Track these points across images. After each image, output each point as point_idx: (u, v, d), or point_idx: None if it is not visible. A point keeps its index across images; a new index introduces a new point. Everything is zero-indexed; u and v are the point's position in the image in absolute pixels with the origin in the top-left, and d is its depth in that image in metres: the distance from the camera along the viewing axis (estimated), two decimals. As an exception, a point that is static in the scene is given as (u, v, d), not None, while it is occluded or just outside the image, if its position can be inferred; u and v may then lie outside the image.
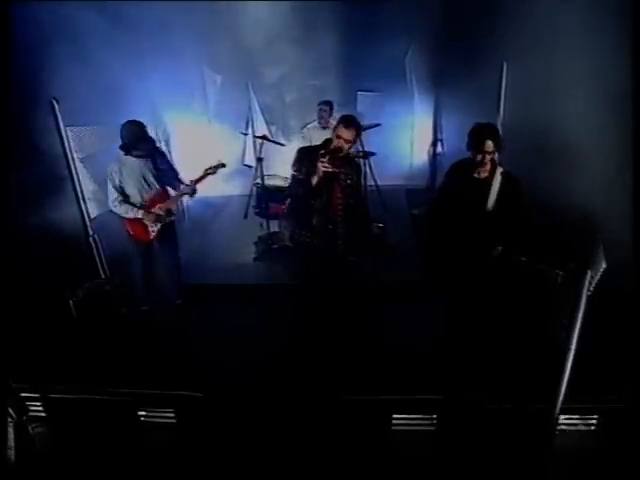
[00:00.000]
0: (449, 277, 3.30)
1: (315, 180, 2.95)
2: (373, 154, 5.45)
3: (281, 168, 5.12)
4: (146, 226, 3.57)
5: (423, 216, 3.46)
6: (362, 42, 5.42)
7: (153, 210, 3.56)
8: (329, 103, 5.11)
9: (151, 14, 4.43)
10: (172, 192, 3.71)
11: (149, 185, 3.54)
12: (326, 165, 2.87)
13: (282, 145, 5.19)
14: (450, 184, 3.23)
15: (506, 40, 4.00)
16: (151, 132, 3.52)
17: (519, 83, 4.00)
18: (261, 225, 5.14)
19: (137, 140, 3.36)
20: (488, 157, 2.94)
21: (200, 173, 3.64)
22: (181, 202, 5.60)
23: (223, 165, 3.70)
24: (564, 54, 3.31)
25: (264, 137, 5.05)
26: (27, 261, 3.30)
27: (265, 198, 4.87)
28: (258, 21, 5.32)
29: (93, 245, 4.05)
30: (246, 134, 5.49)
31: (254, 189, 5.27)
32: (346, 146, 2.97)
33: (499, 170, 3.04)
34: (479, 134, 2.94)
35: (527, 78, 3.82)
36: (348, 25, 5.38)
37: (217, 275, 4.49)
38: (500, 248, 3.07)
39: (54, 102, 3.64)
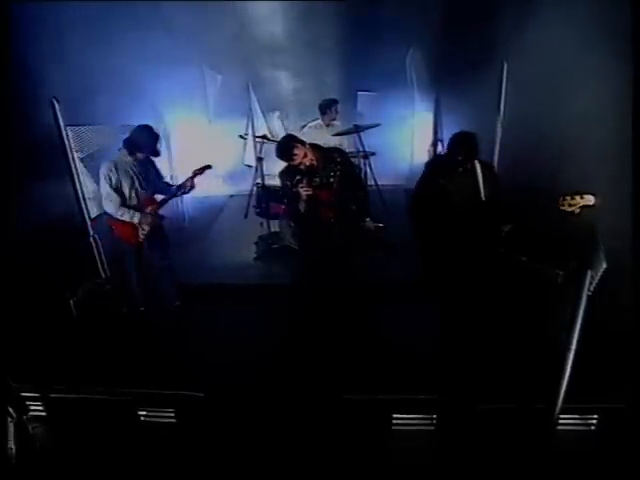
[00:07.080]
0: (449, 276, 3.29)
1: (303, 206, 3.16)
2: (373, 154, 5.45)
3: (281, 168, 5.12)
4: (136, 228, 3.52)
5: (411, 216, 3.42)
6: (362, 42, 5.41)
7: (146, 211, 3.54)
8: (335, 101, 5.10)
9: (151, 14, 4.43)
10: (159, 196, 3.71)
11: (142, 187, 3.52)
12: (306, 189, 3.11)
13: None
14: (433, 183, 3.19)
15: (506, 40, 4.00)
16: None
17: (519, 83, 4.00)
18: (261, 225, 5.14)
19: (149, 144, 3.42)
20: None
21: (189, 174, 3.65)
22: (180, 203, 5.62)
23: (209, 167, 3.72)
24: (564, 54, 3.30)
25: (264, 137, 5.05)
26: (27, 261, 3.29)
27: (265, 198, 4.87)
28: (258, 21, 5.33)
29: (93, 245, 4.05)
30: (245, 137, 5.49)
31: (254, 189, 5.27)
32: (304, 159, 3.09)
33: (475, 161, 3.06)
34: (460, 146, 2.96)
35: (527, 78, 3.81)
36: (348, 25, 5.37)
37: (217, 275, 4.48)
38: (508, 226, 3.06)
39: (54, 102, 3.64)
